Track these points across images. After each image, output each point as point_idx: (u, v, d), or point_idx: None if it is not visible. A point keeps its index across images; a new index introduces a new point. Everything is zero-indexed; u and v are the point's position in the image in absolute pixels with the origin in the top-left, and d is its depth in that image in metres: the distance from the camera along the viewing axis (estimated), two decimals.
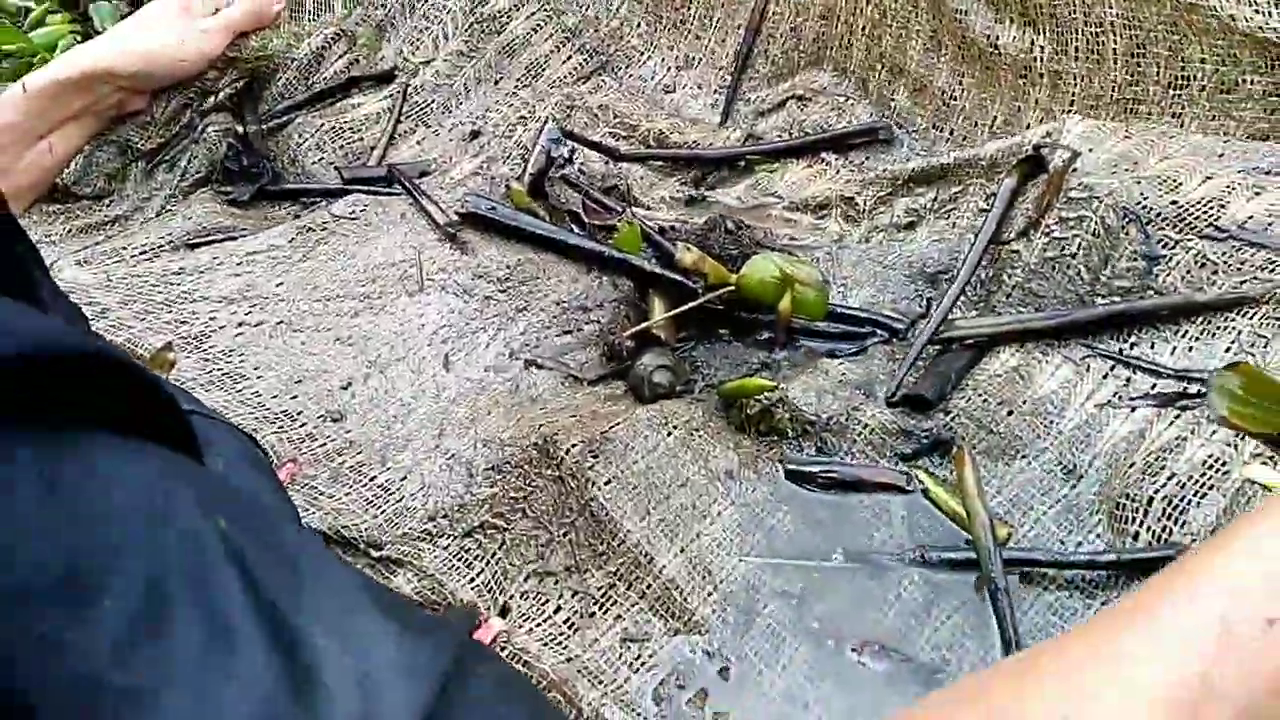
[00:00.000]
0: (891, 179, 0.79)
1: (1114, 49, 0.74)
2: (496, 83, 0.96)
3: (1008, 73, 0.80)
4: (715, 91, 0.95)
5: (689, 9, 0.98)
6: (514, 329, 0.72)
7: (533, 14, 0.98)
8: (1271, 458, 0.54)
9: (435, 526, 0.60)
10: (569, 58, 0.98)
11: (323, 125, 0.93)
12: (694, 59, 0.97)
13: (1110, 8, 0.73)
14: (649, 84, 0.98)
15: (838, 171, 0.83)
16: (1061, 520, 0.58)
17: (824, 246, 0.77)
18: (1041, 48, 0.77)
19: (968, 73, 0.82)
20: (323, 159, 0.91)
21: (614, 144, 0.90)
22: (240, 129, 0.92)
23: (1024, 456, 0.61)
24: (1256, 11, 0.67)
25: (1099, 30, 0.75)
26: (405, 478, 0.63)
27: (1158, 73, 0.73)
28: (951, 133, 0.82)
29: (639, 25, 1.00)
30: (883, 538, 0.59)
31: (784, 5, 0.93)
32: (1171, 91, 0.73)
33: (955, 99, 0.82)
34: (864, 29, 0.88)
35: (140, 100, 0.90)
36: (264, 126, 0.93)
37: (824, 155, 0.85)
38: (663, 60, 0.98)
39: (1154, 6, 0.71)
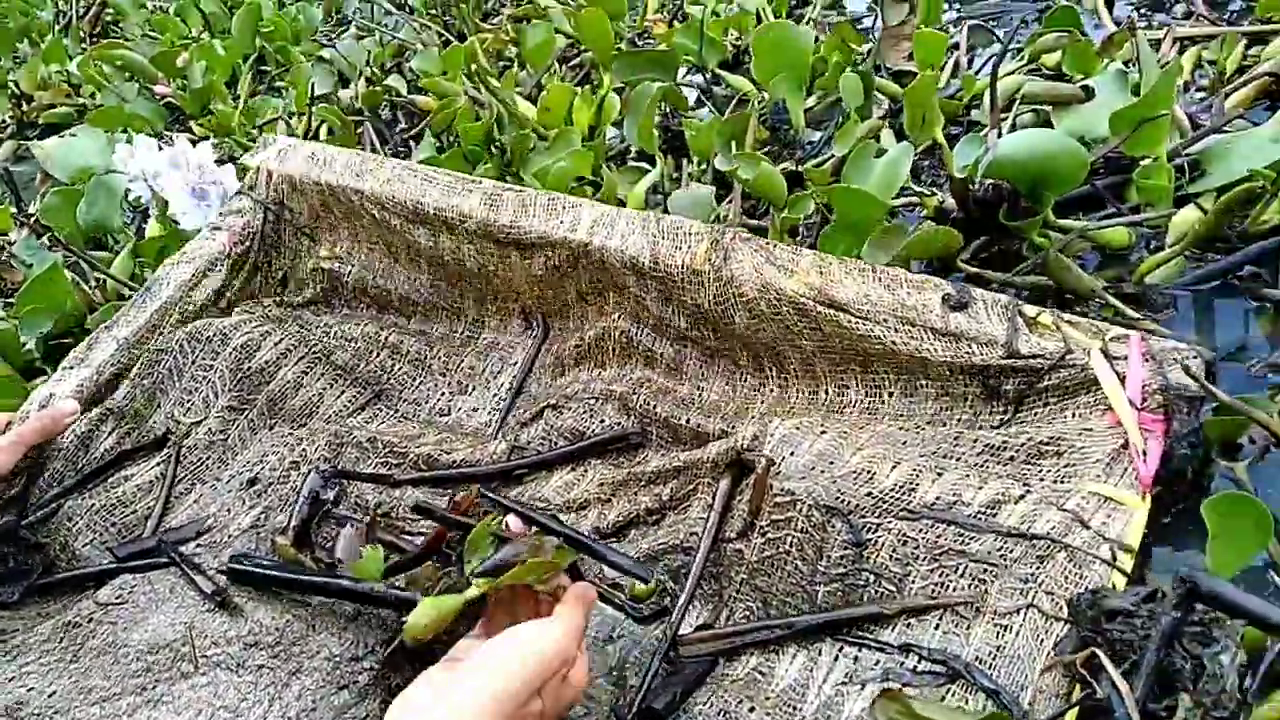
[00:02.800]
0: (636, 478, 0.87)
1: (823, 370, 0.87)
2: (271, 428, 1.01)
3: (742, 381, 0.91)
4: (490, 411, 1.03)
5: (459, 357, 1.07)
6: (289, 695, 0.73)
7: (301, 358, 1.04)
8: None
9: None
10: (342, 393, 1.04)
11: (93, 505, 0.93)
12: (468, 386, 1.05)
13: (809, 342, 0.86)
14: (423, 408, 1.05)
15: (595, 473, 0.91)
16: None
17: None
18: (770, 366, 0.88)
19: (707, 383, 0.93)
20: (93, 539, 0.91)
21: (387, 472, 0.95)
22: (4, 527, 0.91)
23: None
24: (911, 338, 0.81)
25: (809, 357, 0.87)
26: None
27: (856, 385, 0.86)
28: (690, 425, 0.91)
29: (409, 356, 1.07)
30: None
31: (551, 343, 1.03)
32: (868, 398, 0.85)
33: (695, 402, 0.92)
34: (615, 352, 0.98)
35: None
36: (34, 518, 0.92)
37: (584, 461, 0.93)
38: (435, 385, 1.05)
39: (837, 341, 0.84)
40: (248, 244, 1.17)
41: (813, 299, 0.84)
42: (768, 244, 0.89)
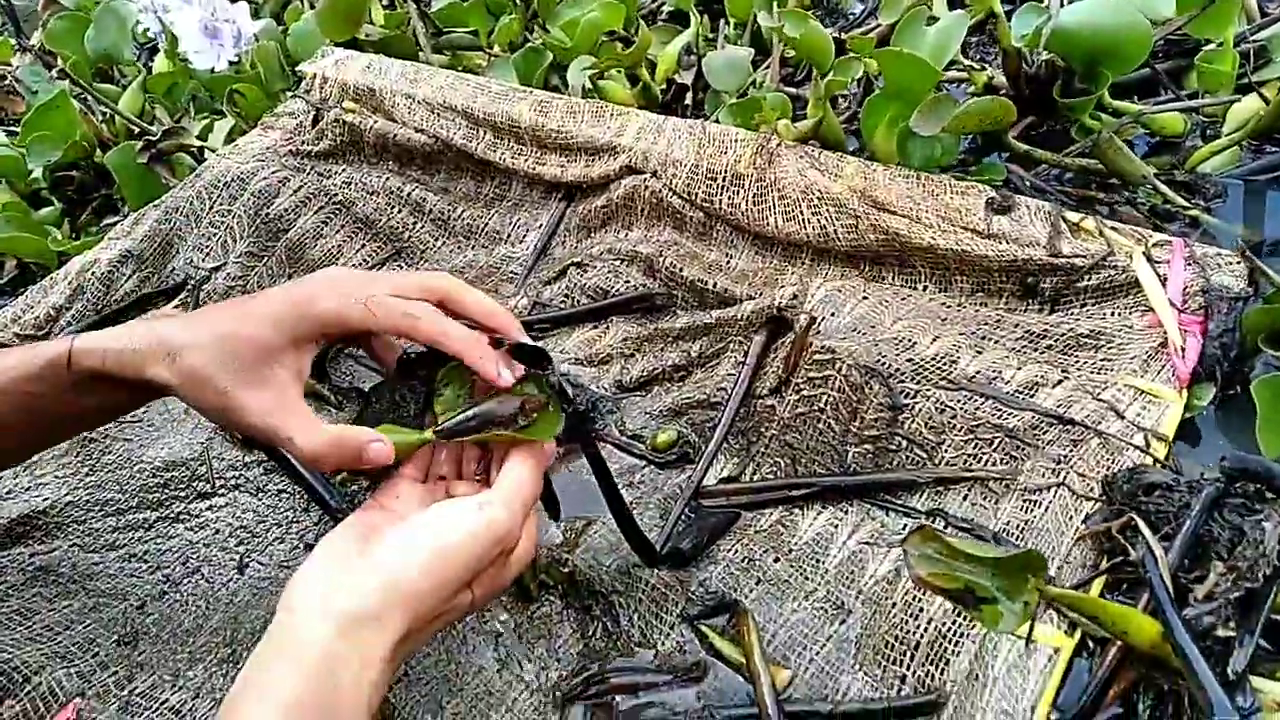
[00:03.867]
0: (663, 335, 0.85)
1: (858, 263, 0.85)
2: (289, 276, 0.98)
3: (772, 251, 0.89)
4: (512, 271, 1.00)
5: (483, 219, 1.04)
6: (308, 519, 0.73)
7: (321, 208, 1.01)
8: None
9: None
10: (363, 246, 1.01)
11: None
12: (491, 248, 1.02)
13: (844, 242, 0.84)
14: (443, 268, 1.02)
15: (618, 329, 0.89)
16: (834, 659, 0.62)
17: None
18: (807, 236, 0.86)
19: (736, 250, 0.90)
20: None
21: None
22: None
23: (794, 599, 0.65)
24: (952, 237, 0.80)
25: (844, 253, 0.85)
26: (198, 696, 0.62)
27: (893, 277, 0.84)
28: (717, 289, 0.89)
29: (432, 214, 1.04)
30: (674, 699, 0.62)
31: (578, 203, 1.00)
32: (904, 288, 0.83)
33: (723, 268, 0.90)
34: (644, 212, 0.95)
35: None
36: None
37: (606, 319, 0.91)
38: (458, 246, 1.03)
39: (874, 238, 0.82)
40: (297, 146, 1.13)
41: (855, 199, 0.83)
42: (813, 150, 0.88)
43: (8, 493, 0.76)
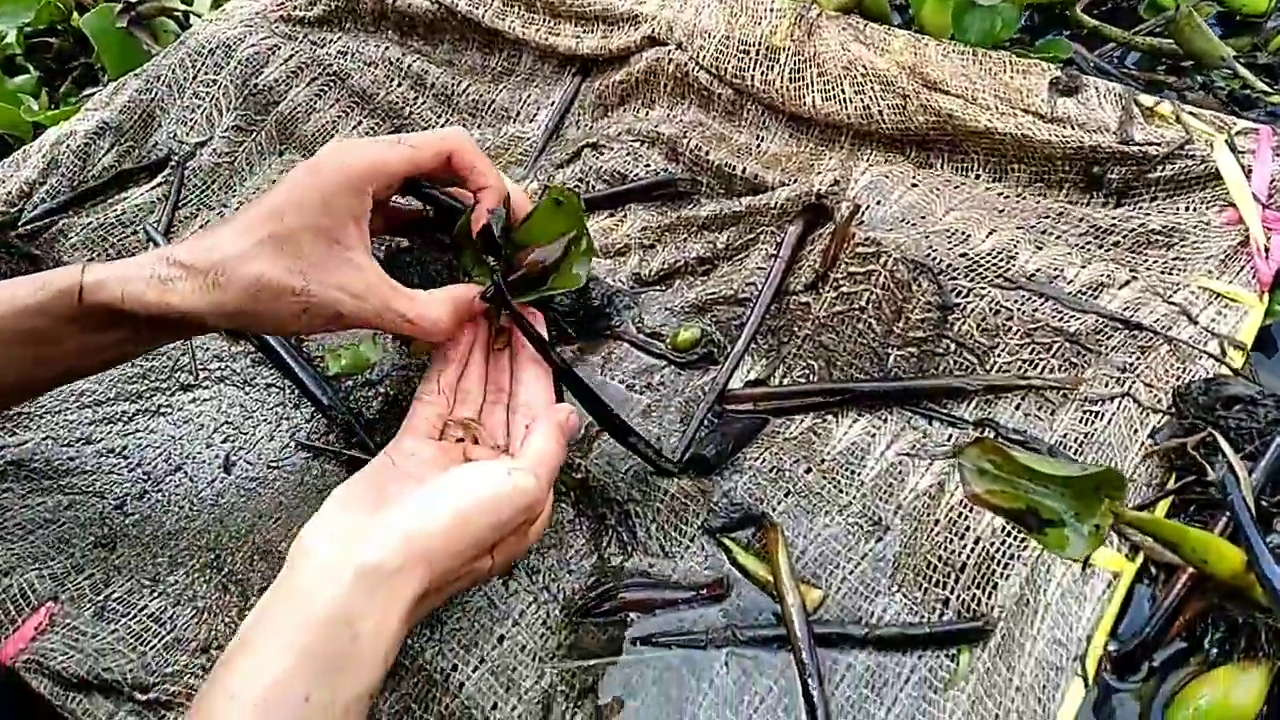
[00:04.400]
0: (686, 224, 0.78)
1: (904, 147, 0.78)
2: (281, 154, 0.91)
3: (809, 134, 0.81)
4: (522, 153, 0.92)
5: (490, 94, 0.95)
6: (299, 416, 0.67)
7: (314, 79, 0.93)
8: None
9: (209, 659, 0.54)
10: (359, 122, 0.93)
11: (90, 223, 0.84)
12: (499, 126, 0.94)
13: (890, 125, 0.76)
14: None
15: (636, 218, 0.82)
16: (869, 579, 0.57)
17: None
18: (847, 117, 0.78)
19: (769, 132, 0.82)
20: (91, 257, 0.82)
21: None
22: None
23: (827, 512, 0.60)
24: (1011, 120, 0.72)
25: (889, 136, 0.77)
26: (178, 603, 0.57)
27: (942, 164, 0.76)
28: (746, 175, 0.82)
29: (434, 89, 0.96)
30: (694, 617, 0.57)
31: (594, 79, 0.92)
32: (956, 175, 0.75)
33: (752, 152, 0.82)
34: (667, 88, 0.87)
35: None
36: (25, 230, 0.83)
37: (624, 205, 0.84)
38: (462, 124, 0.95)
39: (924, 119, 0.74)
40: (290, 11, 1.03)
41: (904, 77, 0.75)
42: (857, 21, 0.81)
43: None
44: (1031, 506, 0.48)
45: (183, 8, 1.08)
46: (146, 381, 0.69)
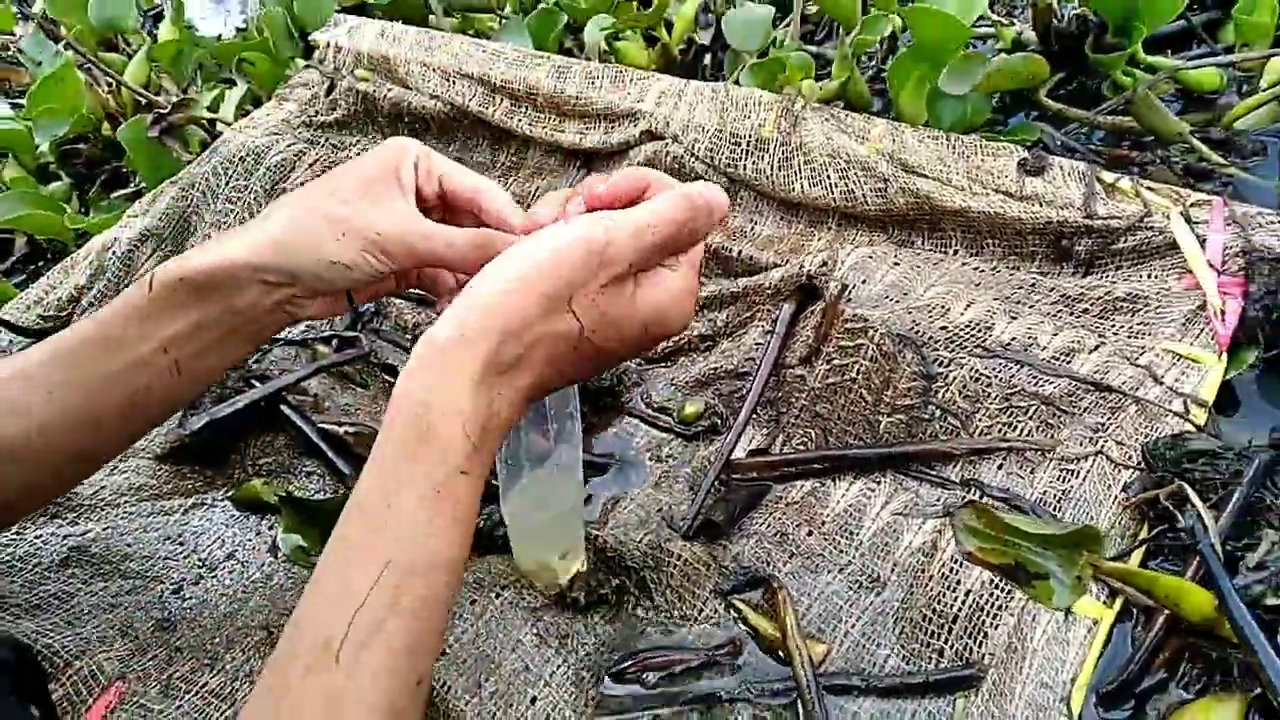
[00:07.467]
0: None
1: (887, 226, 0.84)
2: None
3: (798, 217, 0.87)
4: None
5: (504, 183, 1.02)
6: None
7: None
8: None
9: None
10: None
11: None
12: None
13: (874, 206, 0.83)
14: None
15: None
16: (870, 631, 0.62)
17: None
18: (833, 200, 0.84)
19: (761, 216, 0.89)
20: None
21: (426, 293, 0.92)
22: None
23: (829, 571, 0.65)
24: (984, 200, 0.78)
25: (872, 217, 0.84)
26: (236, 679, 0.62)
27: (922, 241, 0.82)
28: (742, 257, 0.88)
29: None
30: (710, 675, 0.61)
31: (597, 170, 0.99)
32: (935, 251, 0.81)
33: (747, 235, 0.88)
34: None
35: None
36: None
37: None
38: None
39: (904, 201, 0.81)
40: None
41: (884, 162, 0.82)
42: (838, 113, 0.87)
43: None
44: (1020, 562, 0.53)
45: (210, 115, 1.16)
46: (201, 478, 0.75)
